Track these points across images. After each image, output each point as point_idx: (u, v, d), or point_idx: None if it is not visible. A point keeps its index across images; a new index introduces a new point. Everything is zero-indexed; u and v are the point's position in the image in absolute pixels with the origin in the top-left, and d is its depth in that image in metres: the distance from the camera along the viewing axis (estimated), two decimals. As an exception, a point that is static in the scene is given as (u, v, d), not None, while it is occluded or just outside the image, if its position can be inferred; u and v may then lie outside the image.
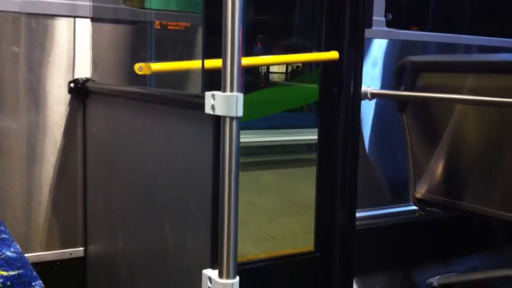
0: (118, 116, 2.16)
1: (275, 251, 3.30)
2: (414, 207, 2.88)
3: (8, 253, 1.31)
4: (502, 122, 2.40)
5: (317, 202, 2.18)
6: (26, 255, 1.38)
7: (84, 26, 2.30)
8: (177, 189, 1.79)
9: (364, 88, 2.30)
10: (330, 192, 2.14)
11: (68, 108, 2.30)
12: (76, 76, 2.30)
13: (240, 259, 1.73)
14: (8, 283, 1.14)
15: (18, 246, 1.35)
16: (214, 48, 1.68)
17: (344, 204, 2.13)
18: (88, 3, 2.28)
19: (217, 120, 1.47)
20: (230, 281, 1.47)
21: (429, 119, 2.69)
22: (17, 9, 2.16)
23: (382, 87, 2.98)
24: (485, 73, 2.40)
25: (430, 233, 2.82)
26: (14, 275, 1.18)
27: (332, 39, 2.12)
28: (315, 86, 2.23)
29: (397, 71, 2.66)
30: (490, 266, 2.89)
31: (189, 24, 2.51)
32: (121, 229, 2.15)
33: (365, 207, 2.95)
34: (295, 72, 8.72)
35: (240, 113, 1.43)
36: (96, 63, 2.34)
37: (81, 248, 2.38)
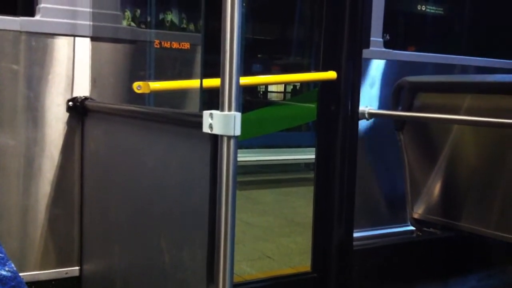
0: (116, 134, 2.16)
1: (271, 271, 3.28)
2: (412, 227, 2.87)
3: (3, 272, 1.30)
4: (499, 143, 2.41)
5: (314, 221, 2.17)
6: (21, 274, 1.37)
7: (84, 45, 2.31)
8: (174, 207, 1.78)
9: (362, 108, 2.32)
10: (328, 212, 2.14)
11: (66, 126, 2.30)
12: (75, 95, 2.30)
13: (236, 279, 1.72)
14: (3, 302, 1.13)
15: (13, 265, 1.34)
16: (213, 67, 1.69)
17: (341, 223, 2.13)
18: (87, 23, 2.30)
19: (215, 139, 1.48)
20: (226, 301, 1.46)
21: (426, 139, 2.70)
22: (18, 28, 2.17)
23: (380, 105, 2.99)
24: (482, 94, 2.41)
25: (428, 253, 2.80)
26: (8, 294, 1.17)
27: (330, 59, 2.13)
28: (313, 105, 2.24)
29: (394, 91, 2.67)
30: (488, 287, 2.87)
31: (188, 43, 2.53)
32: (118, 247, 2.14)
33: (362, 227, 2.93)
34: (293, 91, 8.75)
35: (237, 132, 1.43)
36: (95, 82, 2.35)
37: (77, 268, 2.37)
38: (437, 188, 2.66)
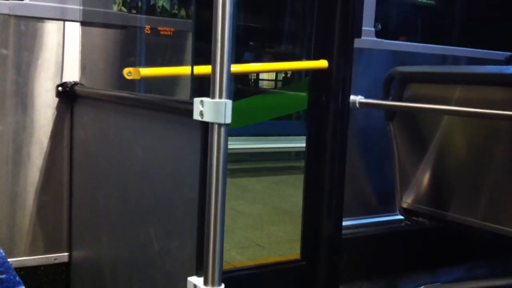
0: (106, 121, 2.15)
1: (261, 259, 3.29)
2: (400, 217, 2.89)
3: (-9, 257, 1.30)
4: (488, 134, 2.42)
5: (304, 210, 2.18)
6: (9, 259, 1.36)
7: (74, 30, 2.29)
8: (164, 194, 1.78)
9: (353, 97, 2.31)
10: (317, 200, 2.14)
11: (56, 112, 2.28)
12: (64, 80, 2.28)
13: (226, 266, 1.72)
14: (-9, 287, 1.13)
15: (1, 251, 1.34)
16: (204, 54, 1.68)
17: (331, 212, 2.14)
18: (78, 7, 2.27)
19: (205, 127, 1.47)
20: (215, 288, 1.47)
21: (416, 130, 2.71)
22: (7, 12, 2.15)
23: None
24: (472, 85, 2.42)
25: (416, 242, 2.83)
26: (-4, 280, 1.17)
27: (321, 48, 2.13)
28: (304, 94, 2.23)
29: (385, 81, 2.68)
30: (475, 277, 2.90)
31: (179, 29, 2.51)
32: (107, 234, 2.14)
33: (351, 215, 2.95)
34: (284, 80, 8.75)
35: (228, 120, 1.43)
36: (85, 67, 2.33)
37: (66, 254, 2.36)
38: (426, 178, 2.68)
